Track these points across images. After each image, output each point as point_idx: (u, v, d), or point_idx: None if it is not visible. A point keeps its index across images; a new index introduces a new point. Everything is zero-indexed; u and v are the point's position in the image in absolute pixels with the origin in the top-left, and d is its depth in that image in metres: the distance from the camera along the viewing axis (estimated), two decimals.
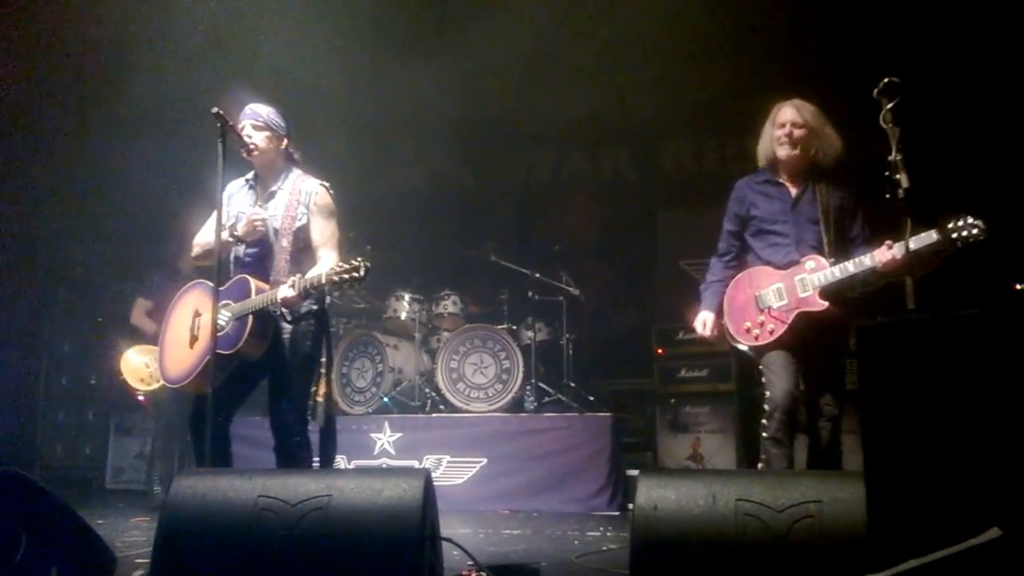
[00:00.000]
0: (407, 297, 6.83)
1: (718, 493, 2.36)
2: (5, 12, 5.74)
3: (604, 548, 4.19)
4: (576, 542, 4.44)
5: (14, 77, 6.34)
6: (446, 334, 6.71)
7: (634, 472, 5.55)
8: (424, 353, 6.79)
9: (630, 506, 4.31)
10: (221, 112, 3.44)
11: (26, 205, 6.20)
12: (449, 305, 6.85)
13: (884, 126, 3.13)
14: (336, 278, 3.35)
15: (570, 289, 6.80)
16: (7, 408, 7.17)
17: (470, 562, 3.16)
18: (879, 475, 1.83)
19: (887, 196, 3.03)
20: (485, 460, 6.06)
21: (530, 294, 6.71)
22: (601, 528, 4.94)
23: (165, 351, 3.76)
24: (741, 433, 6.30)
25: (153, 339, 6.08)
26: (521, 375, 6.36)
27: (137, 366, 6.14)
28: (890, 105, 3.12)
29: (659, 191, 7.95)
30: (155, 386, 6.04)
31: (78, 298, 6.62)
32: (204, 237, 3.82)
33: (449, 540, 2.96)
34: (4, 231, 7.09)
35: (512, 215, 7.95)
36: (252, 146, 3.68)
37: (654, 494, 2.41)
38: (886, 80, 3.14)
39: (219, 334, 3.42)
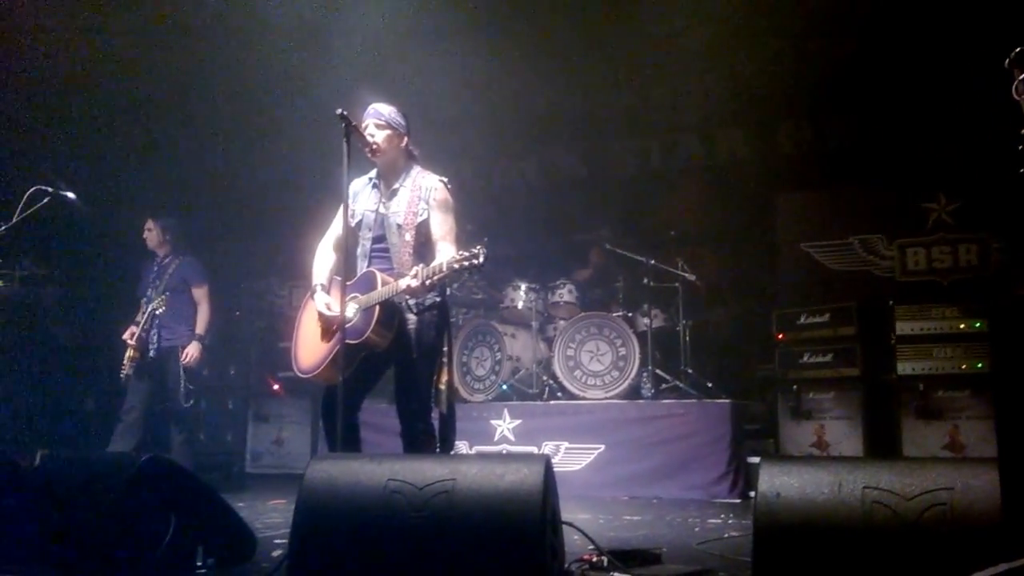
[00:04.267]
0: (523, 287, 6.92)
1: (844, 480, 2.32)
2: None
3: (726, 535, 4.17)
4: (697, 529, 4.43)
5: (157, 89, 6.78)
6: (562, 322, 6.77)
7: (755, 459, 5.47)
8: (541, 341, 6.87)
9: (751, 493, 4.26)
10: (345, 113, 3.55)
11: (167, 207, 6.63)
12: (564, 294, 6.89)
13: (1016, 98, 2.96)
14: (457, 265, 3.44)
15: (686, 275, 6.72)
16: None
17: (591, 546, 3.21)
18: (1014, 460, 1.77)
19: (1020, 171, 2.88)
20: (603, 447, 6.10)
21: (645, 281, 6.68)
22: (722, 515, 4.91)
23: (299, 344, 3.96)
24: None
25: None
26: (637, 362, 6.35)
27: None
28: (1022, 76, 2.96)
29: (778, 172, 7.72)
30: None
31: (217, 295, 7.03)
32: (321, 264, 3.94)
33: (570, 524, 3.01)
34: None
35: (626, 202, 7.90)
36: (375, 145, 3.80)
37: (776, 481, 2.39)
38: (1018, 50, 2.98)
39: (347, 325, 3.57)
